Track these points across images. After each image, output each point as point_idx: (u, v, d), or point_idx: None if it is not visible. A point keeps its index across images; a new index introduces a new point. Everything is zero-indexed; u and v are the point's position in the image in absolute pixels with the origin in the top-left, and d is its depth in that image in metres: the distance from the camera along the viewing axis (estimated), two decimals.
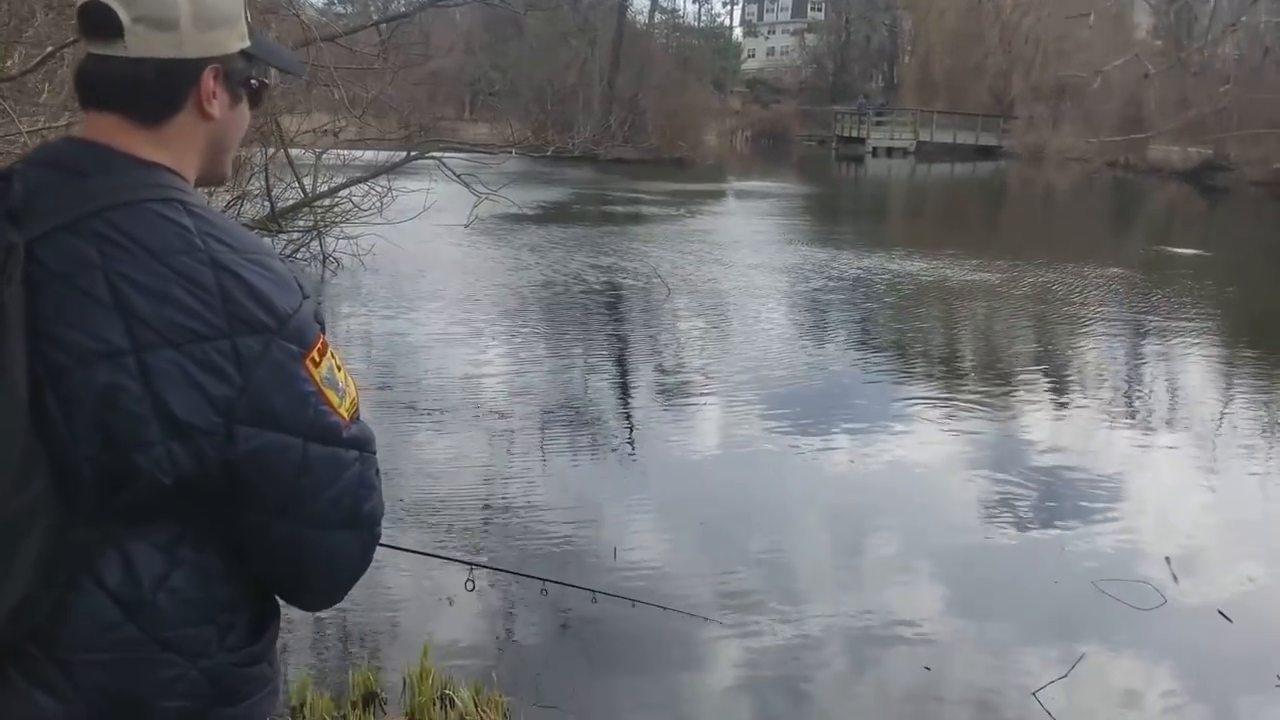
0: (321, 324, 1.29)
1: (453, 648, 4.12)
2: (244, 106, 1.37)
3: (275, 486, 1.23)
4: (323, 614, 4.39)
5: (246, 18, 1.34)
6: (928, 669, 4.15)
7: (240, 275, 1.21)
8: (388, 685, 3.80)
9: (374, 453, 1.33)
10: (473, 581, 3.24)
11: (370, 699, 3.70)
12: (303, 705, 3.59)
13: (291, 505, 1.24)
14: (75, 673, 1.20)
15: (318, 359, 1.25)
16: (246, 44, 1.34)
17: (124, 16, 1.23)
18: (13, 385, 1.12)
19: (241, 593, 1.29)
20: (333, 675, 3.92)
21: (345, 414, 1.28)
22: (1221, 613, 4.68)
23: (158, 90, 1.27)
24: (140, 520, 1.21)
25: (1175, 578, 5.02)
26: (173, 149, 1.29)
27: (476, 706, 3.61)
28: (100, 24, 1.24)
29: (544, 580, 3.64)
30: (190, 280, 1.18)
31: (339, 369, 1.29)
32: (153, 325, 1.16)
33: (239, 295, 1.20)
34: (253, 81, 1.37)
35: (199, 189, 1.35)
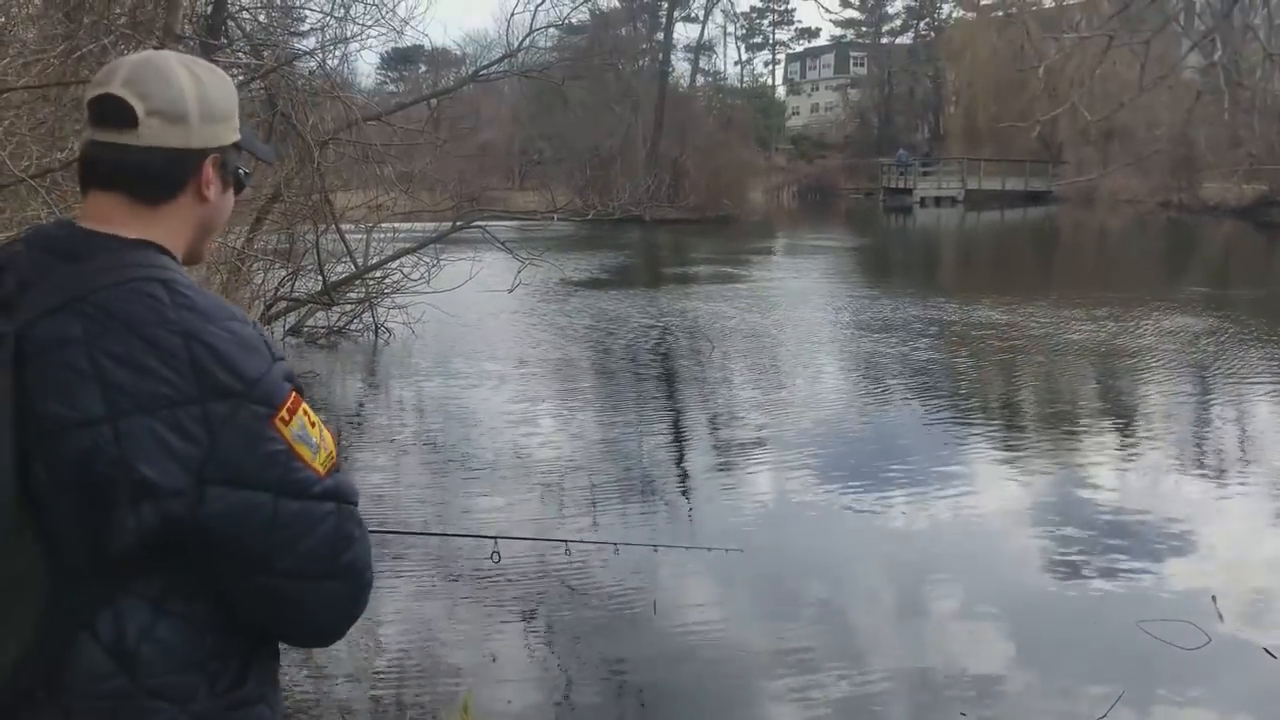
0: (295, 383, 1.36)
1: (495, 693, 4.21)
2: (230, 192, 1.50)
3: (248, 542, 1.29)
4: (367, 657, 4.52)
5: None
6: (963, 715, 4.15)
7: (209, 343, 1.29)
8: None
9: (354, 504, 1.38)
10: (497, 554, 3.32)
11: None
12: None
13: (266, 560, 1.30)
14: (75, 719, 1.28)
15: (288, 417, 1.32)
16: (238, 137, 1.48)
17: (140, 110, 1.35)
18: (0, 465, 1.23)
19: (231, 640, 1.35)
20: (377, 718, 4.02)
21: (320, 468, 1.33)
22: (1268, 651, 4.62)
23: (164, 176, 1.39)
24: (128, 576, 1.29)
25: (1221, 616, 4.96)
26: (167, 228, 1.41)
27: None
28: (115, 115, 1.36)
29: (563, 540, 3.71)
30: (163, 350, 1.27)
31: (312, 425, 1.35)
32: (128, 393, 1.25)
33: (208, 363, 1.28)
34: (240, 170, 1.50)
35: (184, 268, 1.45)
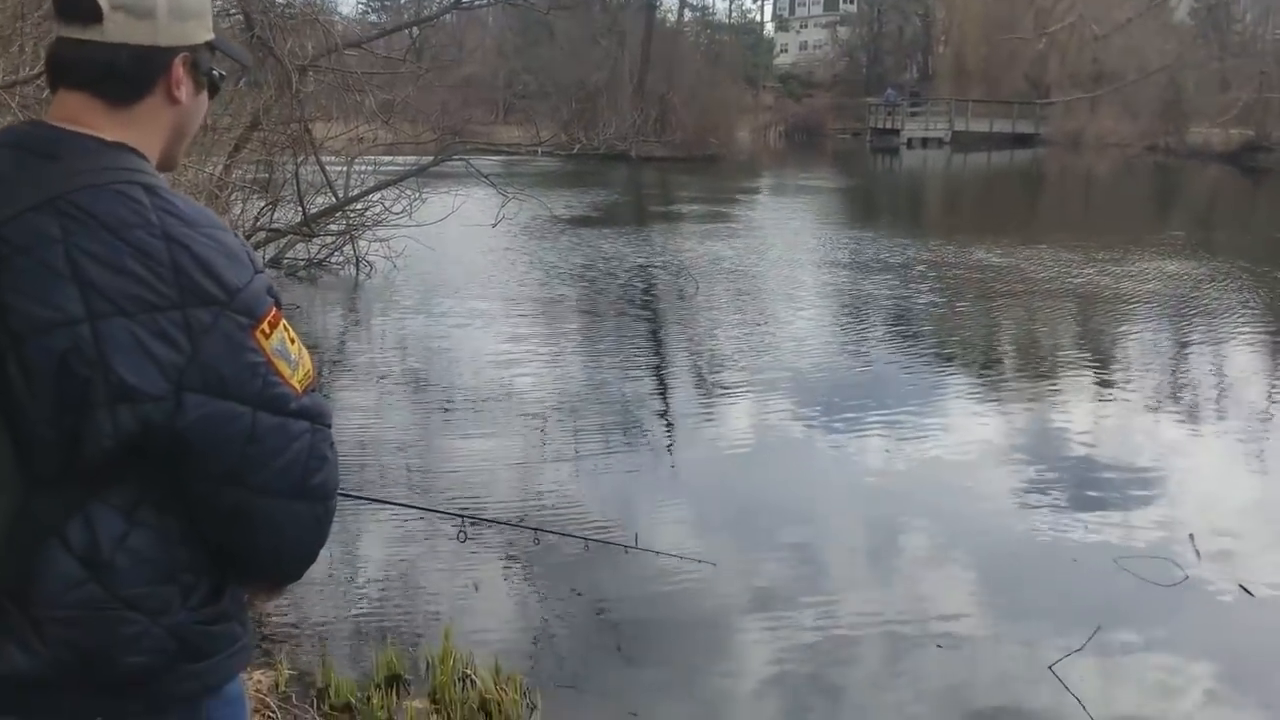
0: (275, 297, 1.34)
1: (475, 625, 4.22)
2: (204, 95, 1.45)
3: (223, 454, 1.27)
4: (346, 591, 4.53)
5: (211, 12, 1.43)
6: (939, 647, 4.19)
7: (191, 249, 1.26)
8: (410, 665, 3.90)
9: (327, 425, 1.36)
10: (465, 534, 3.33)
11: (394, 680, 3.79)
12: (327, 687, 3.69)
13: (239, 473, 1.28)
14: (44, 629, 1.26)
15: (268, 330, 1.30)
16: (211, 36, 1.43)
17: (104, 3, 1.30)
18: None
19: (204, 554, 1.34)
20: (357, 656, 4.02)
21: (297, 385, 1.32)
22: (1243, 587, 4.67)
23: (131, 75, 1.34)
24: (101, 484, 1.26)
25: (1198, 554, 5.00)
26: (139, 130, 1.36)
27: (496, 686, 3.69)
28: (79, 9, 1.31)
29: (585, 539, 3.80)
30: (143, 253, 1.24)
31: (292, 341, 1.34)
32: (107, 295, 1.22)
33: (190, 268, 1.25)
34: (214, 72, 1.45)
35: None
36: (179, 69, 1.38)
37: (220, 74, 1.46)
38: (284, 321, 1.33)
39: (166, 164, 1.43)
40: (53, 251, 1.23)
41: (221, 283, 1.27)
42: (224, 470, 1.28)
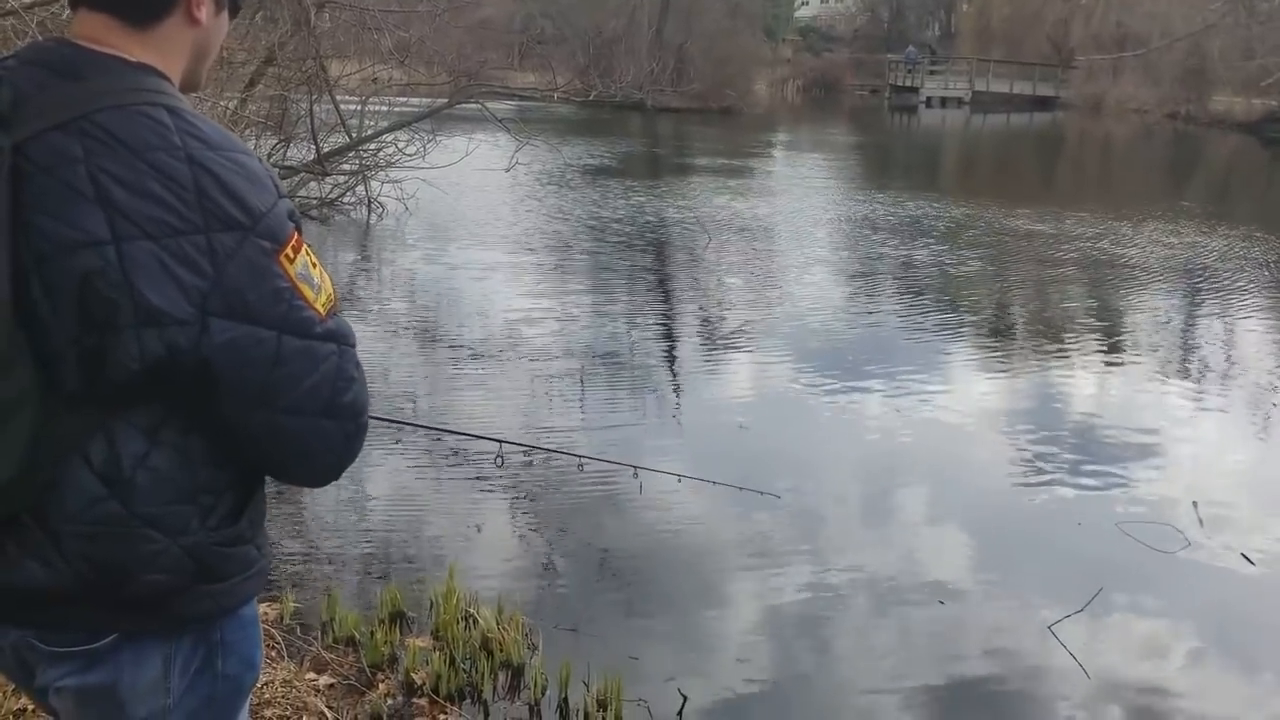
0: (297, 223, 1.33)
1: (480, 563, 4.27)
2: (225, 16, 1.44)
3: (251, 378, 1.28)
4: (353, 526, 4.57)
5: None
6: (942, 603, 4.22)
7: (215, 173, 1.25)
8: (413, 602, 3.94)
9: (352, 346, 1.37)
10: (502, 458, 3.47)
11: (397, 617, 3.84)
12: (331, 620, 3.74)
13: (267, 396, 1.29)
14: (63, 543, 1.28)
15: (292, 255, 1.30)
16: None
17: None
18: None
19: (225, 476, 1.35)
20: (362, 591, 4.07)
21: (321, 309, 1.32)
22: (1245, 555, 4.68)
23: None
24: (124, 404, 1.27)
25: (1201, 522, 5.02)
26: (161, 51, 1.35)
27: (498, 626, 3.73)
28: None
29: (580, 457, 3.89)
30: (167, 176, 1.23)
31: (314, 266, 1.34)
32: (131, 218, 1.22)
33: (214, 191, 1.25)
34: None
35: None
36: None
37: None
38: (306, 245, 1.33)
39: (189, 85, 1.42)
40: (75, 172, 1.22)
41: (245, 207, 1.26)
42: (252, 393, 1.29)
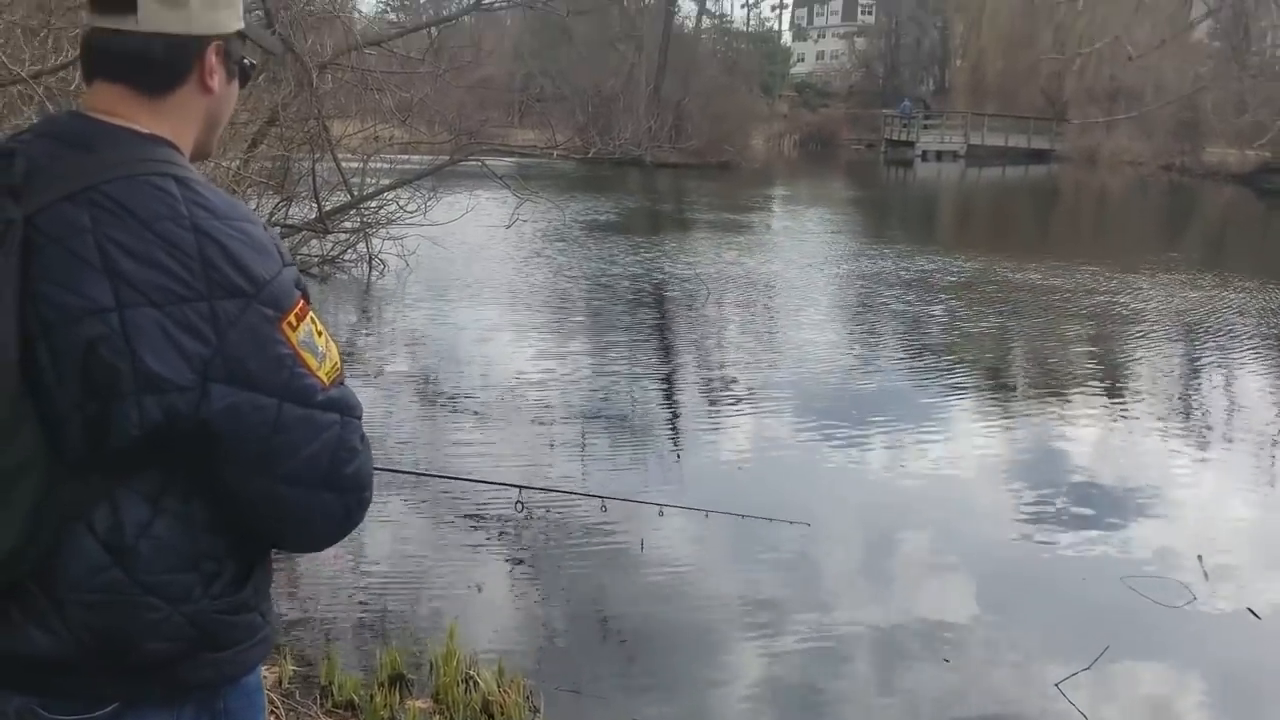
0: (303, 290, 1.34)
1: (480, 624, 4.23)
2: (235, 84, 1.46)
3: (250, 444, 1.28)
4: (352, 587, 4.53)
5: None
6: (946, 661, 4.17)
7: (220, 241, 1.27)
8: (413, 664, 3.90)
9: (358, 417, 1.37)
10: (521, 503, 3.47)
11: (397, 679, 3.79)
12: (331, 684, 3.70)
13: (266, 463, 1.29)
14: (67, 612, 1.27)
15: (295, 323, 1.30)
16: (242, 25, 1.44)
17: None
18: (3, 349, 1.21)
19: (228, 542, 1.35)
20: (361, 654, 4.03)
21: (324, 377, 1.32)
22: (1251, 610, 4.65)
23: (165, 64, 1.36)
24: (127, 471, 1.28)
25: (1206, 575, 4.98)
26: (173, 121, 1.38)
27: (499, 688, 3.69)
28: (114, 0, 1.32)
29: (601, 498, 4.15)
30: (173, 245, 1.25)
31: (319, 334, 1.34)
32: (136, 285, 1.23)
33: (218, 260, 1.26)
34: (245, 61, 1.46)
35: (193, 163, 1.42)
36: (212, 58, 1.39)
37: (251, 63, 1.48)
38: (312, 313, 1.34)
39: (200, 153, 1.45)
40: (83, 241, 1.24)
41: (249, 275, 1.28)
42: (251, 459, 1.29)
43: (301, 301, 1.33)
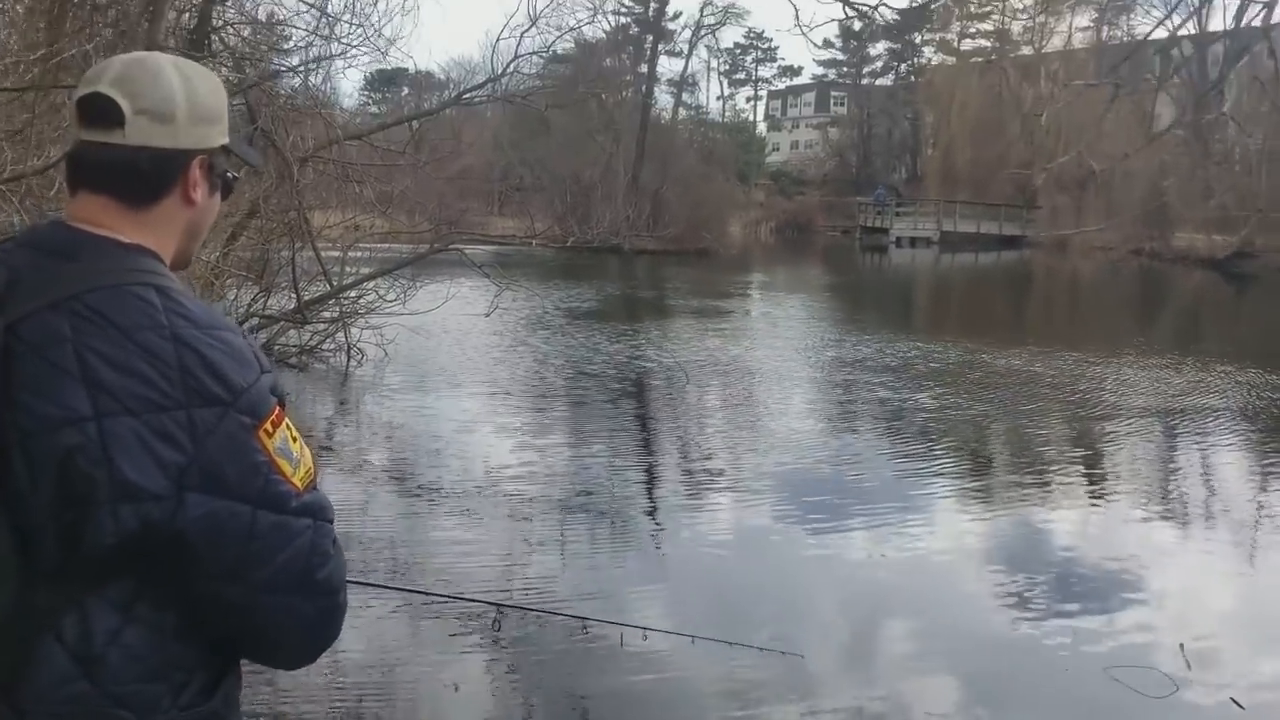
0: (280, 397, 1.36)
1: None
2: (218, 196, 1.49)
3: (224, 552, 1.28)
4: (322, 691, 4.42)
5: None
6: None
7: (199, 350, 1.29)
8: None
9: (329, 521, 1.38)
10: (499, 622, 3.32)
11: None
12: None
13: (241, 570, 1.30)
14: None
15: (271, 430, 1.32)
16: (226, 140, 1.47)
17: (127, 109, 1.35)
18: None
19: (198, 652, 1.34)
20: None
21: (298, 483, 1.34)
22: (1234, 700, 4.61)
23: (151, 177, 1.39)
24: (99, 579, 1.27)
25: (1189, 664, 4.95)
26: (155, 232, 1.40)
27: None
28: (103, 114, 1.35)
29: (583, 619, 3.85)
30: (152, 354, 1.27)
31: (294, 440, 1.36)
32: (115, 395, 1.25)
33: (196, 369, 1.28)
34: (228, 174, 1.50)
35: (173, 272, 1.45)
36: (196, 171, 1.42)
37: (234, 175, 1.51)
38: (287, 420, 1.36)
39: (180, 262, 1.47)
40: (63, 350, 1.26)
41: (227, 383, 1.29)
42: (225, 568, 1.29)
43: (278, 409, 1.35)
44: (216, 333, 1.33)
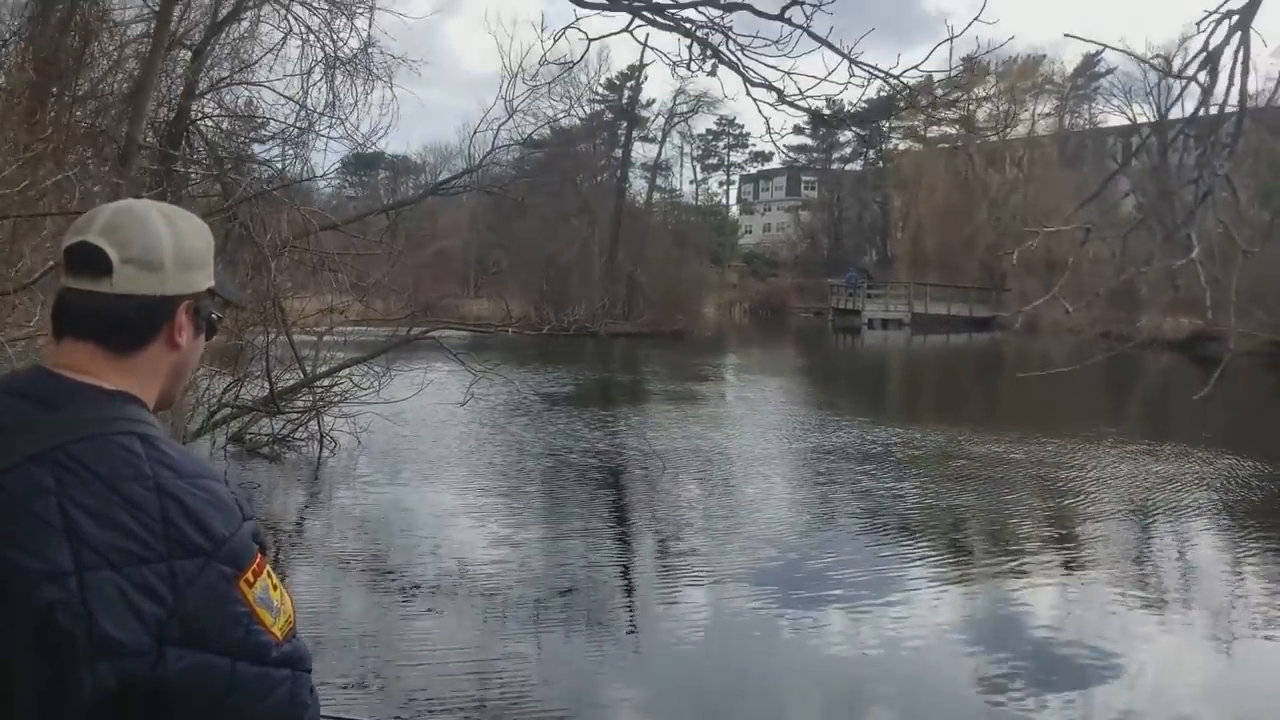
0: (261, 544, 1.34)
1: None
2: (202, 338, 1.47)
3: (203, 704, 1.26)
4: None
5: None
6: None
7: (182, 500, 1.27)
8: None
9: (308, 670, 1.36)
10: None
11: None
12: None
13: None
14: None
15: (252, 579, 1.30)
16: (212, 283, 1.45)
17: (115, 258, 1.33)
18: None
19: None
20: None
21: (278, 633, 1.31)
22: None
23: (137, 325, 1.37)
24: None
25: None
26: (139, 376, 1.38)
27: None
28: (90, 263, 1.33)
29: None
30: (136, 506, 1.25)
31: (275, 588, 1.34)
32: (96, 548, 1.22)
33: (179, 519, 1.26)
34: (213, 315, 1.47)
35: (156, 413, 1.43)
36: (182, 316, 1.41)
37: (218, 316, 1.49)
38: (268, 568, 1.34)
39: (164, 403, 1.46)
40: (46, 503, 1.23)
41: (209, 533, 1.27)
42: (203, 719, 1.27)
43: (259, 556, 1.32)
44: (200, 481, 1.31)
